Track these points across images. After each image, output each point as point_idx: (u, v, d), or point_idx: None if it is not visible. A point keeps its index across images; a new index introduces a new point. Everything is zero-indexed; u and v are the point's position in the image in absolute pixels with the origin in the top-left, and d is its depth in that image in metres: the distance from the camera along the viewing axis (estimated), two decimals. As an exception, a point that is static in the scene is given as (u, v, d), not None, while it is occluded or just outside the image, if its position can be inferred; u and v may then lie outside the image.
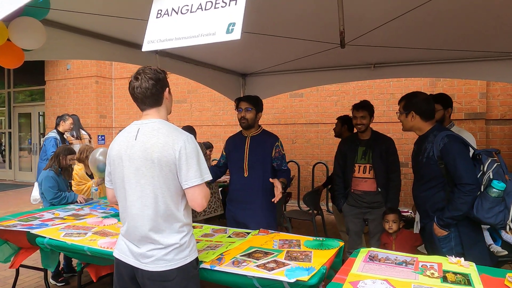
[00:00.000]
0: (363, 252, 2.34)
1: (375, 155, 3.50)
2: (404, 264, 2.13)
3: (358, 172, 3.57)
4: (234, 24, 1.74)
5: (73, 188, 4.39)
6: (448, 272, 2.01)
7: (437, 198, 2.63)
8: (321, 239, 2.63)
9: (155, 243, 1.86)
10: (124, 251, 1.93)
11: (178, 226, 1.89)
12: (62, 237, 2.68)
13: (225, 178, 4.43)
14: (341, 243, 2.54)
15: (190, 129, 4.94)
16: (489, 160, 2.47)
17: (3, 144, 12.94)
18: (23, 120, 12.46)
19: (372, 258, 2.23)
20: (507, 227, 2.39)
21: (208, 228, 3.02)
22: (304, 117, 8.38)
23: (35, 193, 4.40)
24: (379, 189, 3.49)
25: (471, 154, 2.62)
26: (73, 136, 6.39)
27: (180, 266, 1.88)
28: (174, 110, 9.67)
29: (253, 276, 2.03)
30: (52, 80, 11.21)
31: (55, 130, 6.00)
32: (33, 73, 11.59)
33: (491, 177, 2.40)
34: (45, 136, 6.05)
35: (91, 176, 4.50)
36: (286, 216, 5.07)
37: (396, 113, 2.86)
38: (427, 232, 2.73)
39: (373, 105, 3.64)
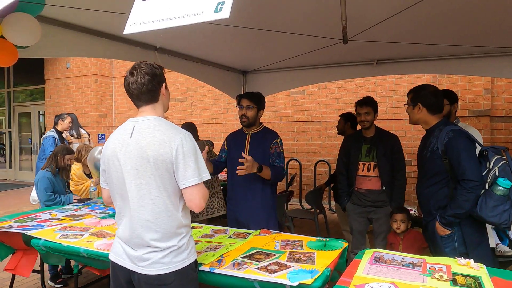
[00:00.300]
0: (368, 253, 2.26)
1: (380, 153, 3.41)
2: (411, 266, 2.05)
3: (362, 170, 3.48)
4: (223, 2, 1.62)
5: (71, 188, 4.32)
6: (457, 274, 1.93)
7: (440, 195, 2.55)
8: (324, 239, 2.55)
9: (152, 245, 1.78)
10: (120, 254, 1.85)
11: (176, 228, 1.81)
12: (58, 239, 2.61)
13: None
14: (345, 244, 2.46)
15: (190, 126, 4.85)
16: (496, 157, 2.39)
17: (4, 144, 12.89)
18: (23, 119, 12.40)
19: (377, 260, 2.15)
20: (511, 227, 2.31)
21: (208, 228, 2.95)
22: (306, 114, 8.30)
23: (35, 193, 4.33)
24: (384, 188, 3.40)
25: (478, 151, 2.54)
26: (72, 135, 6.31)
27: (178, 269, 1.80)
28: (175, 108, 9.61)
29: (254, 279, 1.95)
30: (52, 79, 11.15)
31: (53, 129, 5.93)
32: (33, 72, 11.52)
33: (497, 174, 2.32)
34: (44, 135, 5.99)
35: (89, 176, 4.43)
36: (288, 215, 4.99)
37: (404, 105, 2.81)
38: (429, 231, 2.65)
39: (376, 102, 3.56)
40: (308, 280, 1.87)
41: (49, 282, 3.93)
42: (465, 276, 1.91)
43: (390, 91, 7.46)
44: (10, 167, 12.42)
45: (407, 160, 3.54)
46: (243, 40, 4.16)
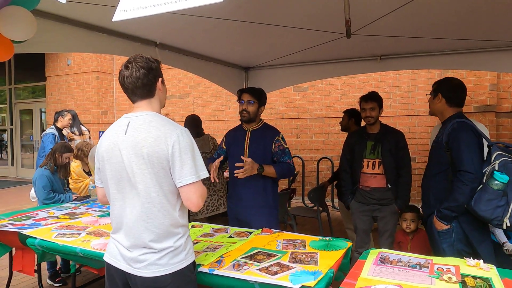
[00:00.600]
0: (373, 253, 2.19)
1: (385, 149, 3.32)
2: (418, 267, 1.97)
3: (367, 168, 3.39)
4: None
5: (70, 186, 4.25)
6: (466, 276, 1.85)
7: (440, 187, 2.53)
8: (327, 239, 2.48)
9: (148, 246, 1.70)
10: (115, 255, 1.78)
11: (172, 228, 1.73)
12: (54, 238, 2.55)
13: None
14: (349, 243, 2.38)
15: (194, 119, 4.75)
16: (498, 152, 2.33)
17: (5, 141, 12.86)
18: (25, 116, 12.36)
19: (383, 260, 2.07)
20: (504, 225, 2.22)
21: (208, 227, 2.87)
22: (309, 111, 8.21)
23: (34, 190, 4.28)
24: (389, 185, 3.31)
25: (485, 147, 2.48)
26: (74, 132, 6.24)
27: (175, 271, 1.72)
28: (176, 105, 9.54)
29: (255, 281, 1.88)
30: (53, 76, 11.09)
31: (53, 126, 5.87)
32: (34, 69, 11.48)
33: (496, 168, 2.26)
34: (43, 133, 5.92)
35: (88, 174, 4.37)
36: (291, 213, 4.91)
37: (427, 94, 2.83)
38: (428, 225, 2.62)
39: (380, 98, 3.47)
40: (311, 282, 1.80)
41: (48, 281, 3.87)
42: (474, 277, 1.83)
43: (394, 87, 7.37)
44: (12, 164, 12.39)
45: (411, 157, 3.46)
46: (245, 35, 4.08)
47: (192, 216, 4.47)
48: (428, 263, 2.02)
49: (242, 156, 2.86)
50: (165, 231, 1.72)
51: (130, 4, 1.89)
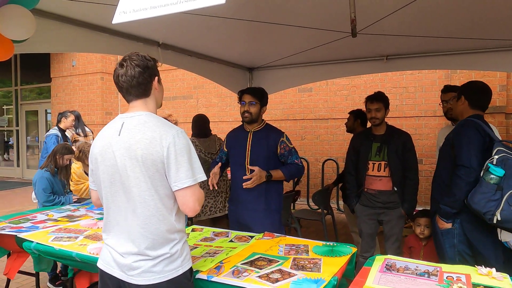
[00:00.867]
0: (379, 260, 2.10)
1: (391, 151, 3.23)
2: (426, 275, 1.88)
3: (372, 170, 3.30)
4: None
5: (71, 188, 4.20)
6: (478, 285, 1.75)
7: (445, 184, 2.55)
8: (331, 244, 2.39)
9: (142, 253, 1.63)
10: (109, 261, 1.71)
11: (168, 234, 1.66)
12: (51, 242, 2.48)
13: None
14: (354, 249, 2.30)
15: (201, 118, 4.68)
16: (498, 148, 2.31)
17: (11, 142, 12.90)
18: (31, 117, 12.39)
19: (389, 268, 1.98)
20: (495, 218, 2.19)
21: (208, 231, 2.80)
22: (313, 112, 8.12)
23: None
24: (395, 188, 3.21)
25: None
26: (79, 134, 6.21)
27: (171, 278, 1.65)
28: (180, 106, 9.49)
29: (255, 289, 1.80)
30: (58, 77, 11.11)
31: (56, 127, 5.83)
32: (39, 70, 11.50)
33: (494, 163, 2.24)
34: (46, 134, 5.89)
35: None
36: (295, 216, 4.82)
37: (452, 98, 2.90)
38: (433, 224, 2.64)
39: (387, 98, 3.38)
40: (313, 291, 1.72)
41: (48, 284, 3.83)
42: (487, 287, 1.74)
43: (401, 88, 7.26)
44: (18, 165, 12.42)
45: (418, 159, 3.37)
46: (249, 35, 4.01)
47: (195, 217, 4.41)
48: (437, 271, 1.92)
49: (250, 166, 2.82)
50: (160, 237, 1.64)
51: (129, 5, 1.85)
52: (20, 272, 3.15)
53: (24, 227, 2.84)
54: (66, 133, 5.92)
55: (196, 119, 4.64)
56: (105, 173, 1.68)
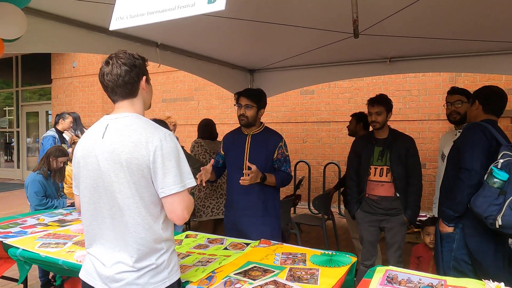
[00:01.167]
0: (380, 271, 1.98)
1: (394, 156, 3.11)
2: (430, 289, 1.77)
3: (374, 175, 3.19)
4: None
5: (65, 191, 4.10)
6: (485, 301, 1.64)
7: (449, 187, 2.50)
8: (330, 253, 2.28)
9: (125, 263, 1.52)
10: (91, 272, 1.60)
11: (154, 243, 1.55)
12: (37, 248, 2.38)
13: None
14: (354, 259, 2.18)
15: (208, 123, 4.63)
16: (504, 152, 2.24)
17: (12, 143, 12.86)
18: (31, 119, 12.35)
19: (390, 280, 1.87)
20: (496, 223, 2.13)
21: (203, 237, 2.69)
22: (315, 115, 8.01)
23: None
24: (398, 195, 3.10)
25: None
26: (78, 136, 6.12)
27: (157, 291, 1.54)
28: (181, 108, 9.40)
29: (247, 302, 1.69)
30: (59, 78, 11.07)
31: (53, 129, 5.75)
32: (40, 72, 11.47)
33: (499, 167, 2.17)
34: (43, 135, 5.80)
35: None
36: (294, 221, 4.71)
37: (467, 102, 2.87)
38: (436, 228, 2.58)
39: (390, 101, 3.27)
40: (309, 305, 1.61)
41: (41, 290, 3.73)
42: (494, 303, 1.63)
43: (404, 91, 7.15)
44: (18, 167, 12.37)
45: (422, 163, 3.26)
46: (250, 35, 3.91)
47: (197, 218, 4.33)
48: (442, 285, 1.81)
49: (249, 163, 2.71)
50: (145, 247, 1.53)
51: (125, 11, 1.82)
52: (7, 278, 3.06)
53: (12, 232, 2.74)
54: (65, 134, 5.83)
55: (205, 122, 4.64)
56: (87, 178, 1.58)
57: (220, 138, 4.71)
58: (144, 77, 1.66)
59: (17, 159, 12.40)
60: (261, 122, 2.99)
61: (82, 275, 1.65)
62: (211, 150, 4.34)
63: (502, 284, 1.74)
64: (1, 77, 12.88)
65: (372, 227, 3.25)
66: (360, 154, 3.31)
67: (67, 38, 3.26)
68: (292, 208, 6.97)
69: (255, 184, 2.79)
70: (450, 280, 1.86)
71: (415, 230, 5.26)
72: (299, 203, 6.35)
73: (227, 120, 9.01)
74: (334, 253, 2.28)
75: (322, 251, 2.32)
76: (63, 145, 5.35)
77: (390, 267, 2.05)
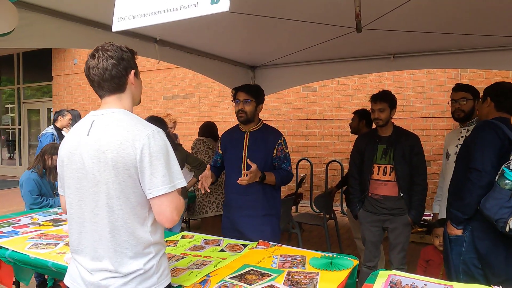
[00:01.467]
0: (382, 276, 1.89)
1: (398, 154, 3.01)
2: (435, 295, 1.67)
3: (377, 174, 3.08)
4: None
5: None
6: (495, 309, 1.55)
7: (458, 187, 2.40)
8: (331, 255, 2.19)
9: (111, 269, 1.43)
10: (75, 278, 1.52)
11: (142, 247, 1.46)
12: (27, 249, 2.29)
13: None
14: (355, 262, 2.09)
15: (209, 125, 4.68)
16: None
17: (14, 140, 12.83)
18: (33, 116, 12.31)
19: (393, 286, 1.77)
20: (507, 227, 2.04)
21: (199, 238, 2.60)
22: (318, 112, 7.90)
23: None
24: (402, 194, 3.00)
25: None
26: None
27: (145, 298, 1.46)
28: (182, 105, 9.32)
29: (242, 309, 1.60)
30: (60, 75, 11.01)
31: (52, 126, 5.68)
32: (41, 69, 11.42)
33: (511, 167, 2.08)
34: (42, 132, 5.73)
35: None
36: (295, 221, 4.61)
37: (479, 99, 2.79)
38: (444, 230, 2.48)
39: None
40: (307, 313, 1.52)
41: (36, 290, 3.66)
42: (505, 312, 1.53)
43: (408, 88, 7.03)
44: (20, 164, 12.34)
45: (426, 161, 3.15)
46: (251, 31, 3.81)
47: (201, 214, 4.26)
48: (448, 290, 1.72)
49: (249, 161, 2.62)
50: (132, 251, 1.44)
51: (127, 11, 1.82)
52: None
53: (3, 232, 2.66)
54: (64, 132, 5.76)
55: (206, 124, 4.76)
56: (71, 178, 1.49)
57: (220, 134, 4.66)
58: (133, 71, 1.57)
59: (18, 156, 12.37)
60: (260, 119, 2.89)
61: (67, 281, 1.56)
62: (213, 147, 4.30)
63: (512, 290, 1.65)
64: (3, 75, 12.85)
65: (375, 228, 3.15)
66: (363, 152, 3.20)
67: (64, 34, 3.17)
68: (294, 207, 6.89)
69: (254, 183, 2.70)
70: (458, 286, 1.77)
71: (420, 229, 5.16)
72: (300, 202, 6.27)
73: (228, 118, 8.93)
74: (335, 255, 2.19)
75: (322, 254, 2.22)
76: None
77: (393, 272, 1.96)
